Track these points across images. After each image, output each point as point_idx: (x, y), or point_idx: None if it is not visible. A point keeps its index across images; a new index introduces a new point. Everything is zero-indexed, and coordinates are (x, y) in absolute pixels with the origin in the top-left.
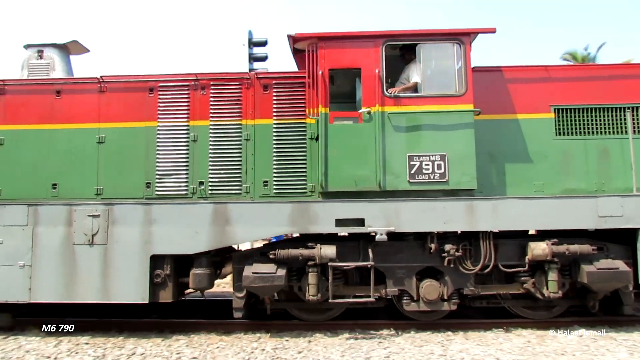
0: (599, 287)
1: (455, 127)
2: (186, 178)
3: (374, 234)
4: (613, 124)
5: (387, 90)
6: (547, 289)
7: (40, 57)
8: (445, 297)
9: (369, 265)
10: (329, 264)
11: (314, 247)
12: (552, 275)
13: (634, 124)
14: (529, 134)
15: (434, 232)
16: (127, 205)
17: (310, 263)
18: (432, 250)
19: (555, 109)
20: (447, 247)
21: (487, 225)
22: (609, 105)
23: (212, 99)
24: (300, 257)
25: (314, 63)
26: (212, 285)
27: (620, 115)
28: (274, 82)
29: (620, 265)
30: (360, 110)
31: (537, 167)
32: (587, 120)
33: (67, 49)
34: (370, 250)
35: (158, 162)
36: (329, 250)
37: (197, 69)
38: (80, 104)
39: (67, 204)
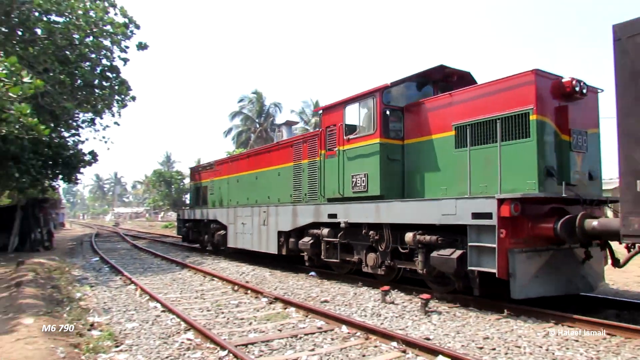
0: (442, 270)
1: (370, 155)
2: (301, 191)
3: (339, 222)
4: (493, 134)
5: (346, 136)
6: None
7: (279, 131)
8: (378, 266)
9: (336, 241)
10: (323, 239)
11: (319, 229)
12: (419, 257)
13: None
14: (439, 149)
15: (365, 222)
16: (272, 207)
17: (320, 238)
18: (363, 234)
19: (455, 127)
20: (371, 233)
21: (385, 219)
22: (488, 118)
23: (309, 148)
24: (316, 234)
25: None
26: (299, 248)
27: (496, 126)
28: (309, 138)
29: (454, 254)
30: (334, 150)
31: (444, 175)
32: (475, 133)
33: (289, 124)
34: (341, 232)
35: (293, 183)
36: (325, 231)
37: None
38: (273, 157)
39: (258, 206)
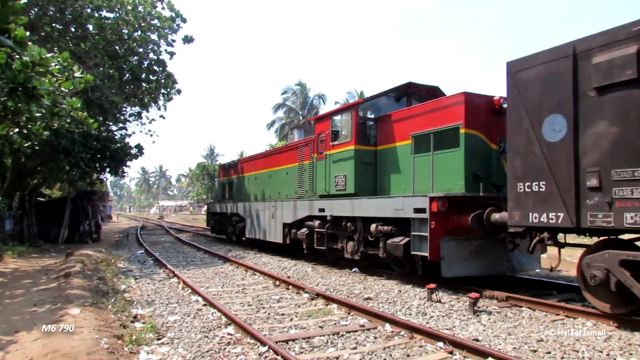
0: (395, 254)
1: (348, 159)
2: (303, 188)
3: (326, 215)
4: (434, 143)
5: (332, 142)
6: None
7: (291, 134)
8: (355, 252)
9: (324, 231)
10: (315, 229)
11: (312, 221)
12: (381, 244)
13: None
14: (401, 155)
15: (344, 215)
16: (278, 202)
17: (313, 228)
18: (344, 226)
19: (412, 137)
20: (348, 224)
21: (357, 213)
22: (431, 131)
23: (309, 151)
24: (310, 225)
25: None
26: (298, 238)
27: (438, 137)
28: (309, 142)
29: (402, 241)
30: (323, 153)
31: (404, 177)
32: (423, 142)
33: (300, 127)
34: (328, 224)
35: (298, 180)
36: (316, 223)
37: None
38: (283, 158)
39: (268, 201)
